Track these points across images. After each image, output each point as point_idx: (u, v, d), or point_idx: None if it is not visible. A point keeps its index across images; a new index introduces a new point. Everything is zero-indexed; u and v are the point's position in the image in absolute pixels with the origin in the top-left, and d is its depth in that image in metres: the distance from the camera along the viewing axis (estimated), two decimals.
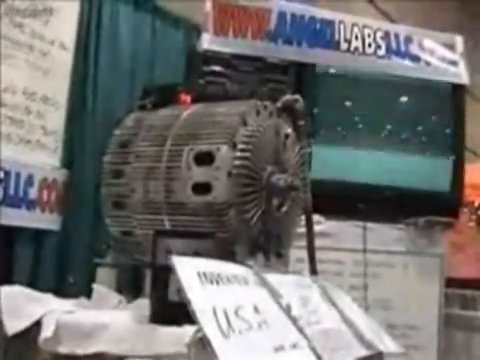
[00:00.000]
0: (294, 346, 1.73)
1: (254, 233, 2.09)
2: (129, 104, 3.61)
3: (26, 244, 3.36)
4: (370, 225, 3.79)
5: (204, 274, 1.68)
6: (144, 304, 1.89)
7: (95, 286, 2.27)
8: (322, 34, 4.04)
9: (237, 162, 2.02)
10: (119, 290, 2.27)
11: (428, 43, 4.22)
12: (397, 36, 4.18)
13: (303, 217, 2.36)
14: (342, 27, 4.07)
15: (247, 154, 2.04)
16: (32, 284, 2.72)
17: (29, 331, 1.95)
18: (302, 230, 2.36)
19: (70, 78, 3.61)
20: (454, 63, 4.24)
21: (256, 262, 2.03)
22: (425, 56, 4.21)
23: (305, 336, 1.80)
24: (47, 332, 1.89)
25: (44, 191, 3.46)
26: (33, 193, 3.39)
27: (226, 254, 1.94)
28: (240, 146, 2.04)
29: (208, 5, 3.87)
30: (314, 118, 3.73)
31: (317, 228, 2.52)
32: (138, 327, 1.81)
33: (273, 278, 1.95)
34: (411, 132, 4.07)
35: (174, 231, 2.05)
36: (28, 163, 3.37)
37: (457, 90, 4.18)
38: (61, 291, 2.53)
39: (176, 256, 1.68)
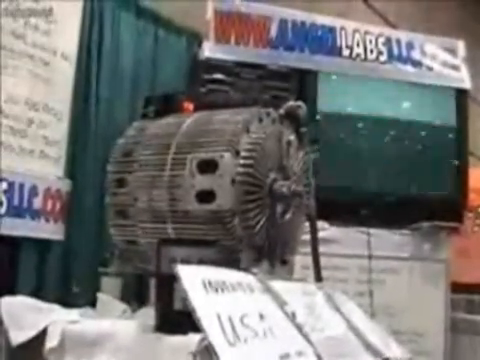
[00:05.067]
0: (299, 353, 1.72)
1: (258, 240, 2.08)
2: (131, 113, 3.62)
3: (30, 254, 3.35)
4: (374, 231, 3.78)
5: (209, 282, 1.67)
6: (149, 313, 1.89)
7: (100, 295, 2.27)
8: (324, 41, 4.05)
9: (240, 169, 2.02)
10: (124, 299, 2.27)
11: (430, 48, 4.23)
12: (399, 42, 4.18)
13: (307, 223, 2.36)
14: (343, 33, 4.07)
15: (250, 161, 2.04)
16: (37, 294, 2.73)
17: (34, 341, 1.95)
18: (307, 237, 2.36)
19: (72, 88, 3.61)
20: (456, 68, 4.24)
21: (261, 269, 2.03)
22: (427, 61, 4.21)
23: (310, 343, 1.80)
24: (52, 342, 1.89)
25: (48, 201, 3.45)
26: (37, 203, 3.38)
27: (231, 262, 1.94)
28: (243, 154, 2.04)
29: (210, 13, 3.87)
30: (316, 125, 3.73)
31: (321, 234, 2.52)
32: (143, 336, 1.81)
33: (278, 285, 1.95)
34: (414, 137, 4.06)
35: (178, 239, 2.05)
36: (31, 173, 3.37)
37: (459, 95, 4.18)
38: (66, 301, 2.53)
39: (180, 264, 1.68)
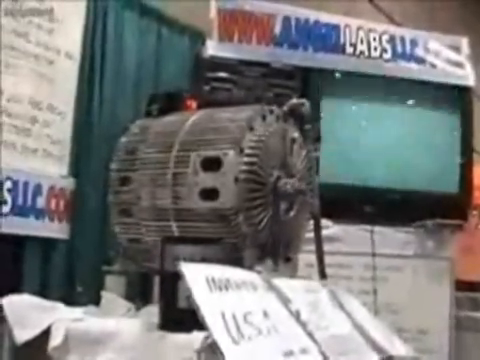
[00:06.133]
0: (303, 351, 1.72)
1: (262, 238, 2.08)
2: (135, 112, 3.62)
3: (35, 253, 3.35)
4: (378, 229, 3.78)
5: (213, 280, 1.67)
6: (153, 311, 1.89)
7: (104, 294, 2.27)
8: (327, 38, 4.04)
9: (244, 167, 2.01)
10: (128, 297, 2.27)
11: (434, 45, 4.22)
12: (403, 39, 4.18)
13: (311, 221, 2.35)
14: (347, 31, 4.07)
15: (254, 159, 2.04)
16: (41, 293, 2.73)
17: (38, 340, 1.95)
18: (311, 235, 2.36)
19: (76, 87, 3.61)
20: (460, 65, 4.23)
21: (265, 267, 2.03)
22: (431, 59, 4.20)
23: (314, 341, 1.79)
24: (56, 340, 1.89)
25: (52, 200, 3.45)
26: (41, 202, 3.38)
27: (234, 260, 1.94)
28: (247, 151, 2.04)
29: (213, 11, 3.87)
30: (320, 122, 3.72)
31: (325, 232, 2.51)
32: (147, 334, 1.81)
33: (282, 283, 1.95)
34: (418, 134, 4.06)
35: (182, 237, 2.05)
36: (35, 172, 3.37)
37: (464, 92, 4.18)
38: (70, 299, 2.53)
39: (184, 262, 1.68)
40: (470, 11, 6.84)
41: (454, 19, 6.29)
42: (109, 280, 2.36)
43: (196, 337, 1.63)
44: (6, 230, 3.16)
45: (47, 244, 3.42)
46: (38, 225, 3.38)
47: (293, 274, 2.24)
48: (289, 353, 1.65)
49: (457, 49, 4.27)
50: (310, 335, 1.80)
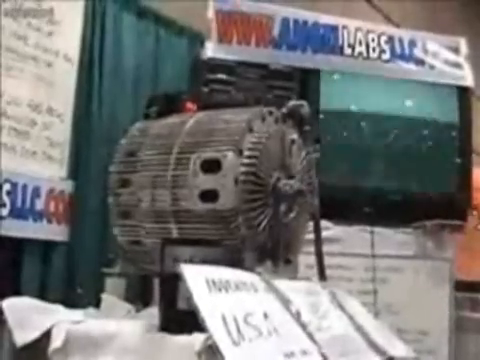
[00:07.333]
0: (304, 352, 1.72)
1: (262, 240, 2.08)
2: (134, 114, 3.62)
3: (34, 255, 3.36)
4: (378, 230, 3.78)
5: (212, 281, 1.67)
6: (153, 313, 1.89)
7: (104, 296, 2.27)
8: (326, 40, 4.04)
9: (243, 169, 2.01)
10: (128, 299, 2.27)
11: (432, 46, 4.22)
12: (401, 40, 4.18)
13: (311, 223, 2.35)
14: (346, 32, 4.07)
15: (253, 160, 2.03)
16: (41, 295, 2.73)
17: (38, 342, 1.95)
18: (311, 236, 2.35)
19: (75, 89, 3.62)
20: (458, 66, 4.23)
21: (265, 269, 2.03)
22: (429, 59, 4.20)
23: (315, 342, 1.79)
24: (56, 343, 1.89)
25: (51, 202, 3.46)
26: (40, 204, 3.39)
27: (234, 261, 1.94)
28: (246, 153, 2.04)
29: (211, 13, 3.88)
30: (319, 124, 3.73)
31: (325, 234, 2.51)
32: (147, 336, 1.81)
33: (282, 285, 1.95)
34: (417, 135, 4.06)
35: (182, 239, 2.05)
36: (35, 175, 3.37)
37: (462, 92, 4.18)
38: (70, 302, 2.53)
39: (184, 264, 1.68)
40: (471, 12, 6.84)
41: (455, 20, 6.30)
42: (109, 282, 2.36)
43: (196, 339, 1.62)
44: (5, 233, 3.17)
45: (46, 246, 3.43)
46: (37, 227, 3.38)
47: (293, 275, 2.23)
48: (290, 354, 1.65)
49: (455, 50, 4.27)
50: (310, 336, 1.80)
